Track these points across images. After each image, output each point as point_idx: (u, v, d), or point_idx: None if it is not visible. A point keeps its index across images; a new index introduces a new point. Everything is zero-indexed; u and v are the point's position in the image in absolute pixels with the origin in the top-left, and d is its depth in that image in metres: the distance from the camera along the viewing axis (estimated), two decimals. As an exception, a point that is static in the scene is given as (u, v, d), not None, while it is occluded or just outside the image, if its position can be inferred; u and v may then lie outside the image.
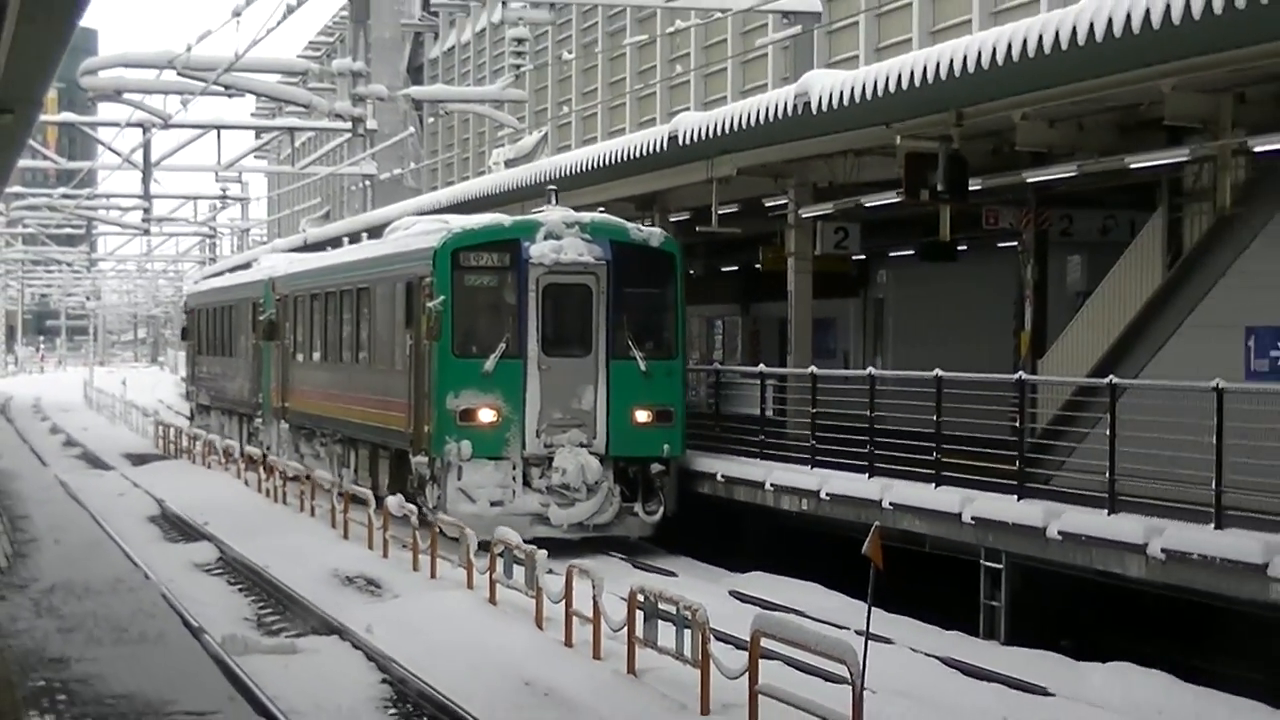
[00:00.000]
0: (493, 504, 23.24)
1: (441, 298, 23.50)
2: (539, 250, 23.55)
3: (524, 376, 23.62)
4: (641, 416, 23.84)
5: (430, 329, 23.46)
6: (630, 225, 25.00)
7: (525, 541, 20.00)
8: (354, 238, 41.01)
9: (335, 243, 43.49)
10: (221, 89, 34.72)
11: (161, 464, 43.59)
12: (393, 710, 15.76)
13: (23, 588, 22.62)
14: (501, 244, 24.01)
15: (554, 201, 25.87)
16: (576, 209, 26.47)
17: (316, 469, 30.79)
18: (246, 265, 51.40)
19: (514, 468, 23.54)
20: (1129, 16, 15.92)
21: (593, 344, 24.00)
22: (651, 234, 24.82)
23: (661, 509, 24.09)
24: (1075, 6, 16.89)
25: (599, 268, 23.85)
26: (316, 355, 32.35)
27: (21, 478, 40.27)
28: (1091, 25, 16.44)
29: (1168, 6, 15.47)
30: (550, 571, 19.57)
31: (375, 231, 37.98)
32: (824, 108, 20.99)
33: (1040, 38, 17.42)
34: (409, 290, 25.42)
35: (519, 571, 19.56)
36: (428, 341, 24.11)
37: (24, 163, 42.94)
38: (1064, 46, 17.01)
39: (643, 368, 23.87)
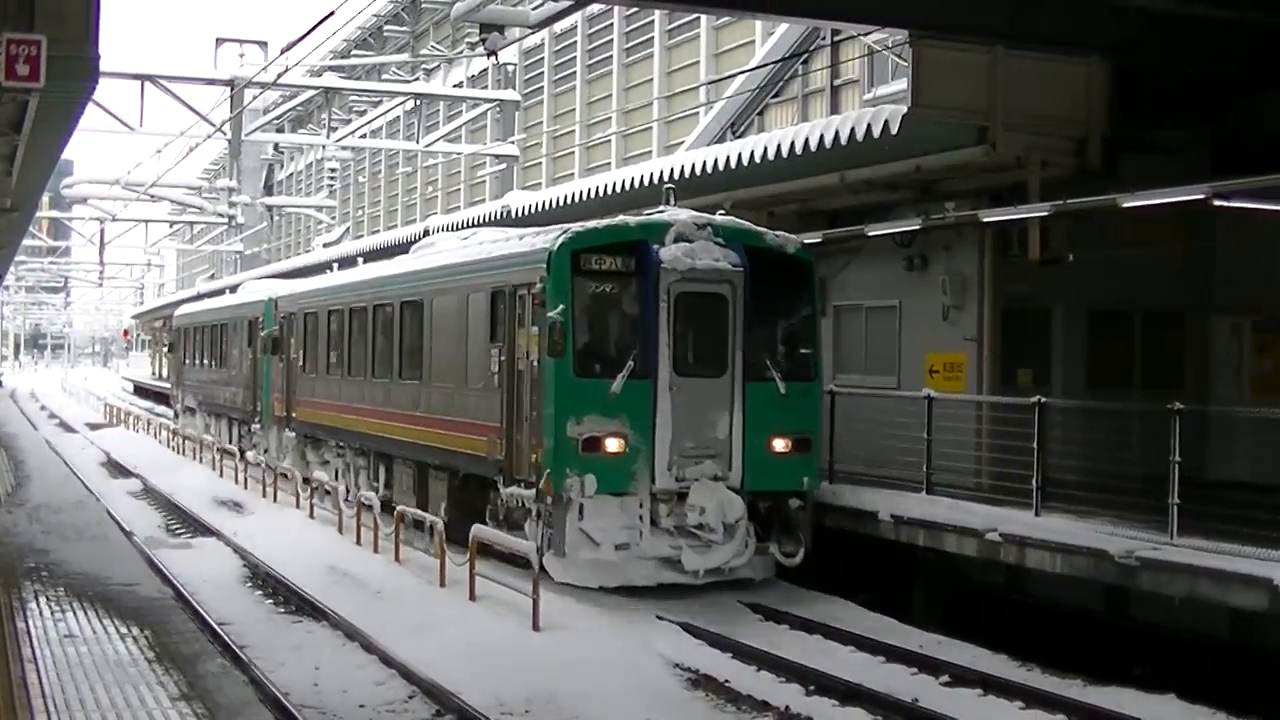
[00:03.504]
0: (618, 547, 19.02)
1: (560, 307, 19.01)
2: (671, 254, 19.47)
3: (654, 400, 19.29)
4: (779, 445, 19.89)
5: (552, 344, 18.86)
6: (764, 230, 20.95)
7: (650, 587, 19.09)
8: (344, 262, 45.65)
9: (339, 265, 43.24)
10: (148, 197, 53.66)
11: (109, 430, 56.55)
12: (249, 582, 21.97)
13: (20, 506, 30.31)
14: (628, 246, 19.66)
15: (671, 202, 21.65)
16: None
17: (319, 473, 29.76)
18: (220, 292, 55.99)
19: (641, 505, 19.13)
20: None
21: (728, 363, 19.80)
22: (787, 240, 20.79)
23: (801, 550, 19.97)
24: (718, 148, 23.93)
25: (735, 276, 19.76)
26: (334, 369, 30.29)
27: (20, 436, 53.32)
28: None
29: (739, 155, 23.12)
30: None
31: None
32: (520, 214, 31.24)
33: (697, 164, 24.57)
34: (494, 300, 21.20)
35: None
36: (533, 359, 19.78)
37: (26, 242, 63.18)
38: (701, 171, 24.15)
39: (781, 390, 19.91)
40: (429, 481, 24.31)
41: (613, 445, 19.17)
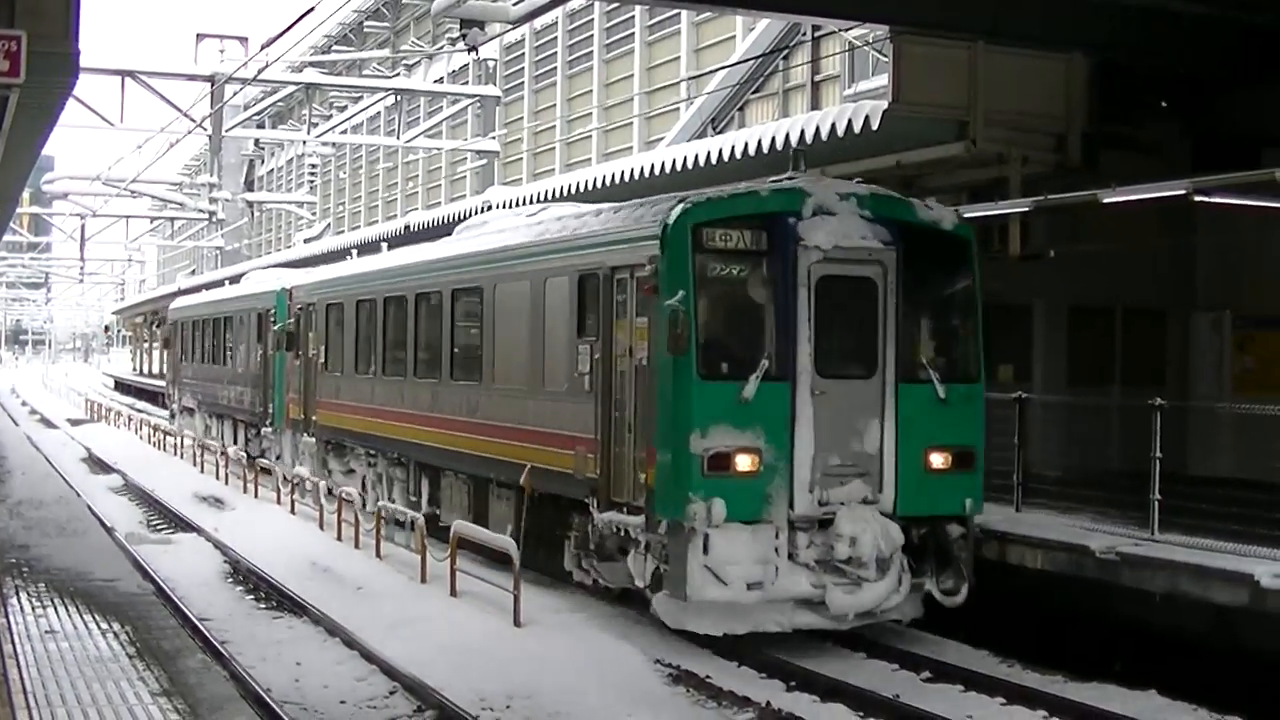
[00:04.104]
0: (750, 587, 15.57)
1: (681, 293, 15.41)
2: (811, 230, 16.11)
3: (792, 406, 15.88)
4: (937, 461, 16.61)
5: (674, 339, 15.30)
6: (914, 200, 17.48)
7: (787, 632, 16.25)
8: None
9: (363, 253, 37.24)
10: (129, 193, 53.07)
11: (90, 426, 56.36)
12: (230, 578, 21.93)
13: (1, 502, 30.33)
14: (760, 219, 16.17)
15: (801, 168, 17.89)
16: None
17: (347, 484, 26.23)
18: (220, 283, 52.18)
19: (777, 535, 15.80)
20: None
21: (878, 361, 16.41)
22: (943, 213, 17.33)
23: (965, 586, 16.67)
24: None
25: (886, 255, 16.45)
26: (364, 367, 26.72)
27: (2, 432, 53.20)
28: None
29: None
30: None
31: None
32: (501, 209, 29.42)
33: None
34: (582, 286, 17.73)
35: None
36: (640, 357, 16.38)
37: (6, 237, 64.88)
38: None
39: (940, 394, 16.62)
40: (490, 499, 21.03)
41: (744, 463, 15.80)
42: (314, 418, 29.73)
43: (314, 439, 29.67)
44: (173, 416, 49.08)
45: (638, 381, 16.55)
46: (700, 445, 15.61)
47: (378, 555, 22.46)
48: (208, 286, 56.07)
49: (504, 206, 29.97)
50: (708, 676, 15.39)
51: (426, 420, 23.32)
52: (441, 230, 31.66)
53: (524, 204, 29.55)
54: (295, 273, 35.46)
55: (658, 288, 15.96)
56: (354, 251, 36.62)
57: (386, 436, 25.30)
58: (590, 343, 17.57)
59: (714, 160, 24.07)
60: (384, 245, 33.05)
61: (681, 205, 16.21)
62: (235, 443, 37.70)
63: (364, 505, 24.87)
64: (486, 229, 23.41)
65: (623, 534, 16.97)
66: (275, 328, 32.47)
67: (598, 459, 17.24)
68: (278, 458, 32.64)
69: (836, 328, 16.42)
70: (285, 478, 29.23)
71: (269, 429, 34.08)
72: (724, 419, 15.72)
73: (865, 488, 16.31)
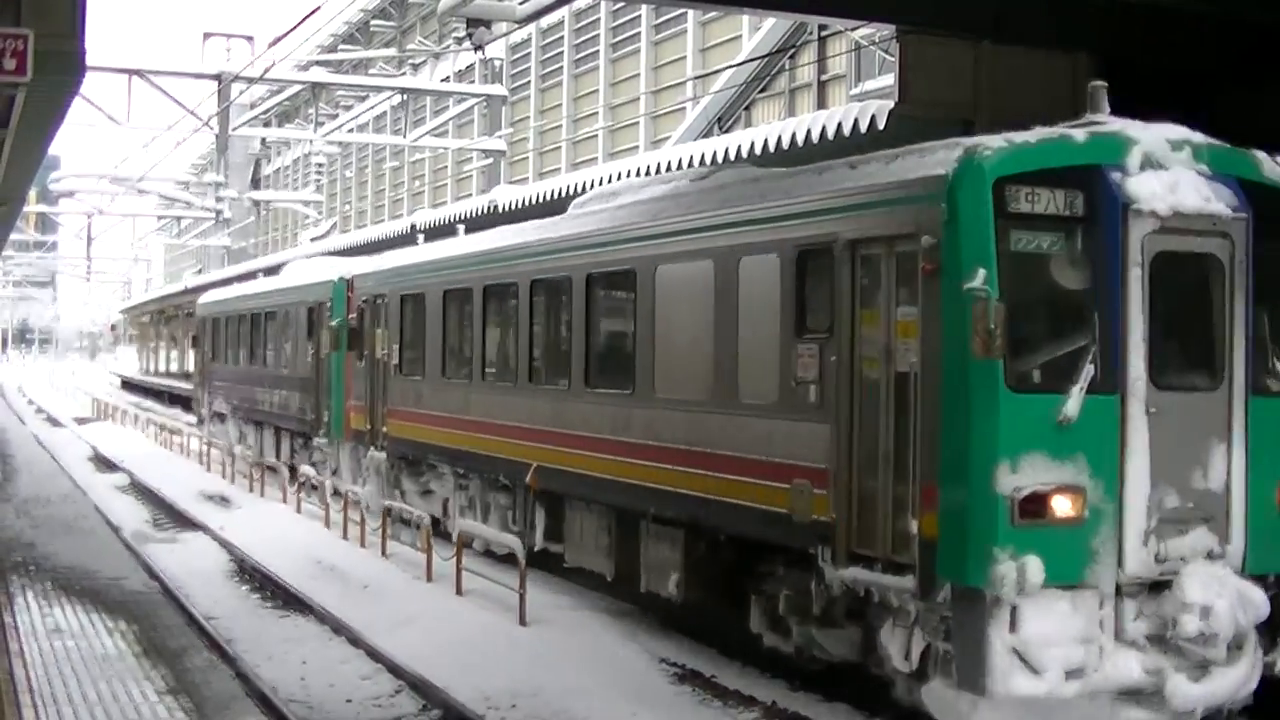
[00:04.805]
0: (1069, 675, 11.46)
1: (981, 273, 11.29)
2: (1143, 189, 11.87)
3: (1123, 429, 11.79)
4: None
5: (981, 337, 11.14)
6: (1259, 155, 12.85)
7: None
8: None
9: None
10: (135, 192, 53.74)
11: (96, 424, 56.33)
12: (236, 577, 22.04)
13: (8, 500, 30.42)
14: (1076, 175, 11.92)
15: (1105, 110, 12.90)
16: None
17: (425, 508, 22.81)
18: (251, 276, 48.14)
19: (1101, 604, 11.67)
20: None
21: (1223, 367, 12.31)
22: None
23: None
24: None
25: (1235, 226, 12.19)
26: (454, 371, 22.47)
27: (8, 430, 53.43)
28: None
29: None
30: (335, 493, 25.75)
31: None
32: (507, 208, 29.57)
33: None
34: (802, 265, 13.55)
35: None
36: (912, 361, 12.16)
37: (13, 236, 63.85)
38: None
39: None
40: (643, 539, 16.52)
41: (1065, 506, 11.55)
42: (383, 429, 25.28)
43: (383, 453, 25.25)
44: (201, 423, 44.21)
45: (900, 395, 12.35)
46: (1009, 482, 11.40)
47: (383, 554, 22.49)
48: (242, 279, 50.99)
49: (611, 180, 25.27)
50: (712, 676, 15.36)
51: (547, 437, 18.77)
52: (532, 213, 26.66)
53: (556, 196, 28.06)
54: (353, 261, 30.78)
55: (942, 266, 11.73)
56: (420, 237, 31.49)
57: (487, 454, 20.79)
58: (818, 342, 13.28)
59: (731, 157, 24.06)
60: (460, 229, 27.79)
61: (975, 153, 11.89)
62: (278, 455, 33.97)
63: (436, 529, 21.84)
64: (622, 199, 18.44)
65: (871, 598, 12.74)
66: (332, 324, 28.10)
67: (831, 496, 13.01)
68: (334, 472, 28.37)
69: (1173, 322, 12.20)
70: (337, 491, 26.35)
71: (322, 439, 29.73)
72: (1038, 446, 11.54)
73: (1210, 537, 12.09)
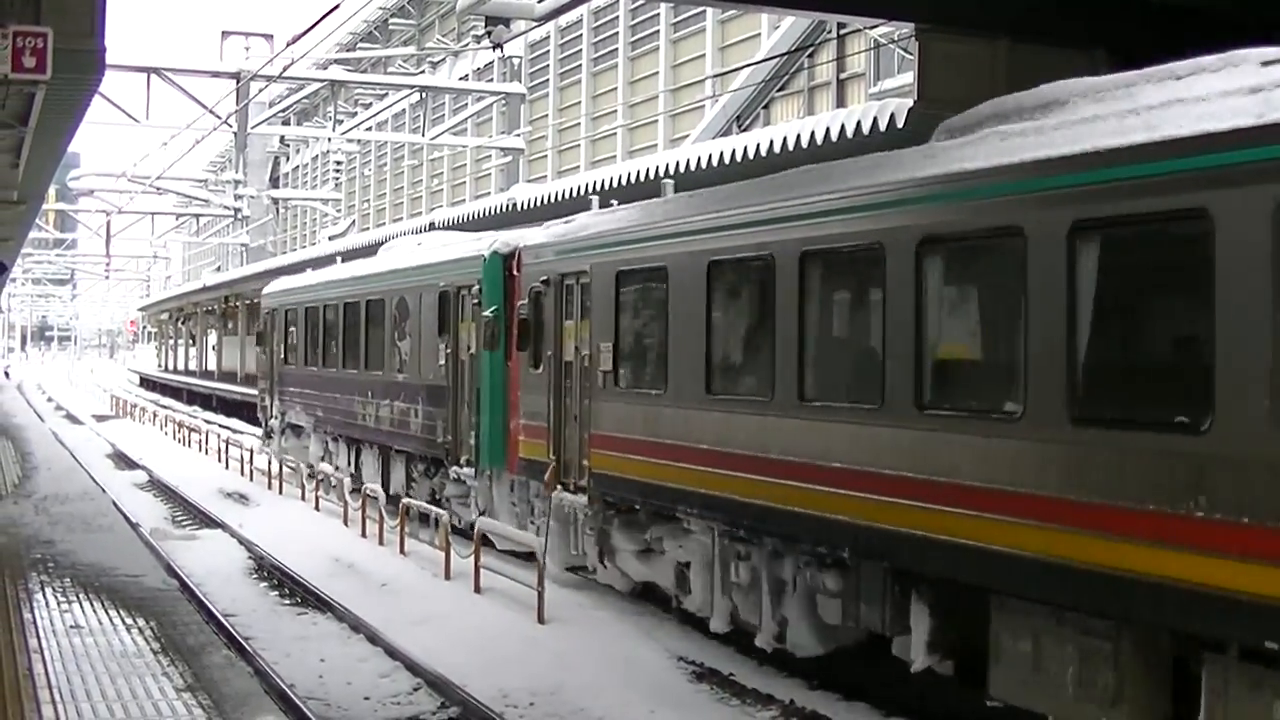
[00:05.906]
0: None
1: None
2: None
3: None
4: None
5: None
6: None
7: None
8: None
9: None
10: (154, 190, 53.99)
11: (115, 421, 56.73)
12: (254, 574, 22.28)
13: (27, 497, 30.08)
14: None
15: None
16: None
17: (646, 574, 17.35)
18: (331, 259, 39.08)
19: None
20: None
21: None
22: None
23: None
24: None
25: None
26: (726, 387, 14.81)
27: (27, 428, 53.14)
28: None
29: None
30: (353, 491, 26.01)
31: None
32: (526, 206, 29.27)
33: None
34: None
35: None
36: None
37: (32, 234, 64.50)
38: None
39: None
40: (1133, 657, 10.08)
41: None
42: (585, 463, 18.06)
43: (582, 496, 18.13)
44: (269, 436, 36.04)
45: None
46: None
47: (401, 552, 22.50)
48: (318, 261, 41.94)
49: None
50: (730, 674, 15.35)
51: (886, 485, 12.05)
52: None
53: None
54: (512, 233, 22.93)
55: None
56: (614, 201, 20.93)
57: (807, 514, 13.30)
58: None
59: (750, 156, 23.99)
60: (667, 188, 19.22)
61: None
62: (386, 483, 26.61)
63: (666, 606, 17.30)
64: (1042, 133, 11.69)
65: None
66: (486, 314, 21.44)
67: None
68: (482, 512, 21.99)
69: None
70: (356, 490, 22.93)
71: (465, 469, 22.77)
72: None
73: None
